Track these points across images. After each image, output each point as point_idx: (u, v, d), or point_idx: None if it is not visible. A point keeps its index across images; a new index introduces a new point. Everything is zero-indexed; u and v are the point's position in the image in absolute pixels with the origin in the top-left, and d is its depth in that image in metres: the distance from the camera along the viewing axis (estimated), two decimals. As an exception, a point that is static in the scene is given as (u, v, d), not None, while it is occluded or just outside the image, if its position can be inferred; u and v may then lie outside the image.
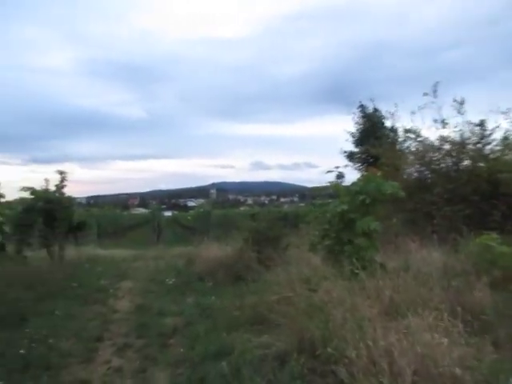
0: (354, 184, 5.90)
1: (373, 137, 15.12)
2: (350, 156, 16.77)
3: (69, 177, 10.50)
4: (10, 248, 8.72)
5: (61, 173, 10.38)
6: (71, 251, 11.95)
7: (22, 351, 4.23)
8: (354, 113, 16.86)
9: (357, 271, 4.48)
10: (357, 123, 16.79)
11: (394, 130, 15.40)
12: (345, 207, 5.50)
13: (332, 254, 5.71)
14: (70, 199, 10.77)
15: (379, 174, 5.75)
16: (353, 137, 16.83)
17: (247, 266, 7.68)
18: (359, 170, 16.27)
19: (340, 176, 6.40)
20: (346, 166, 16.46)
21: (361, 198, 5.39)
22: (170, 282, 7.88)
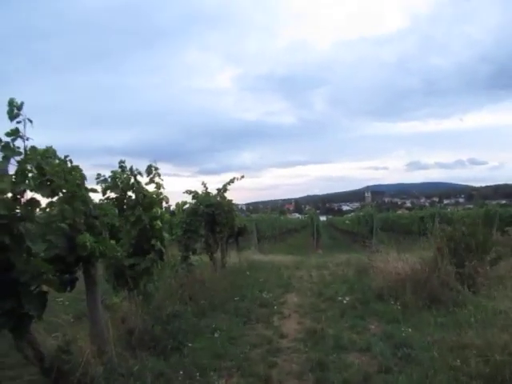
0: None
1: None
2: None
3: (235, 183, 10.04)
4: (175, 252, 8.59)
5: (231, 181, 9.98)
6: (232, 256, 11.64)
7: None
8: None
9: None
10: None
11: None
12: None
13: None
14: (231, 203, 10.35)
15: None
16: None
17: (444, 285, 5.82)
18: None
19: None
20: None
21: None
22: (343, 300, 6.48)
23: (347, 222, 33.14)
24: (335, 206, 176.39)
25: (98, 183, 5.14)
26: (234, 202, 10.66)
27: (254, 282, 8.55)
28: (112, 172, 5.14)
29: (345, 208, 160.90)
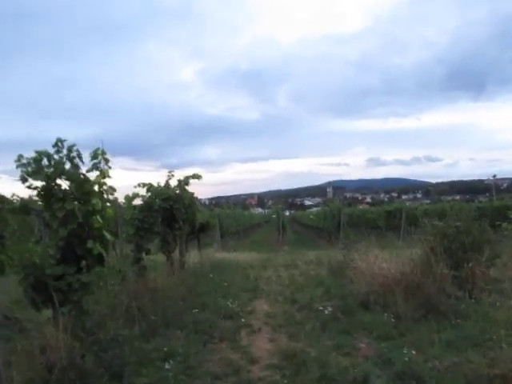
0: None
1: None
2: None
3: (198, 178, 8.87)
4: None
5: (195, 176, 8.80)
6: (193, 255, 10.52)
7: None
8: None
9: None
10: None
11: None
12: None
13: None
14: (192, 197, 9.20)
15: None
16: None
17: (440, 291, 5.01)
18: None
19: None
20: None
21: None
22: (323, 309, 5.52)
23: (312, 216, 32.61)
24: (298, 201, 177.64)
25: (17, 167, 3.94)
26: (195, 195, 9.55)
27: (217, 286, 7.47)
28: (36, 153, 3.92)
29: (307, 203, 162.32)
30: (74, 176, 3.99)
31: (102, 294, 4.82)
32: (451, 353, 3.70)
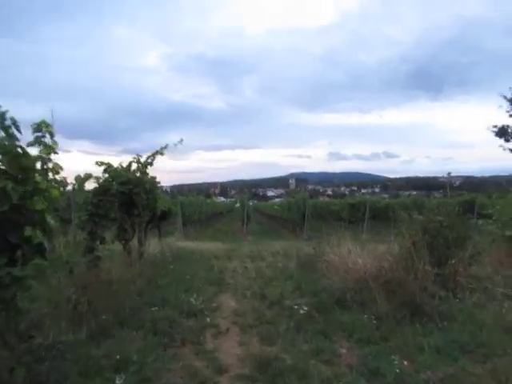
0: None
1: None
2: (502, 132, 12.79)
3: (161, 154, 8.05)
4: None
5: (157, 153, 7.98)
6: (153, 244, 9.83)
7: None
8: None
9: None
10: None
11: None
12: None
13: None
14: (154, 182, 8.47)
15: None
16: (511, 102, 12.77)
17: (422, 289, 4.66)
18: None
19: None
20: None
21: None
22: (295, 306, 5.06)
23: (276, 207, 32.36)
24: (260, 191, 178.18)
25: None
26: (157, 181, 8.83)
27: (178, 278, 6.87)
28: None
29: (270, 194, 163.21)
30: (6, 148, 3.26)
31: (43, 289, 4.13)
32: (443, 361, 3.33)
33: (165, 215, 10.73)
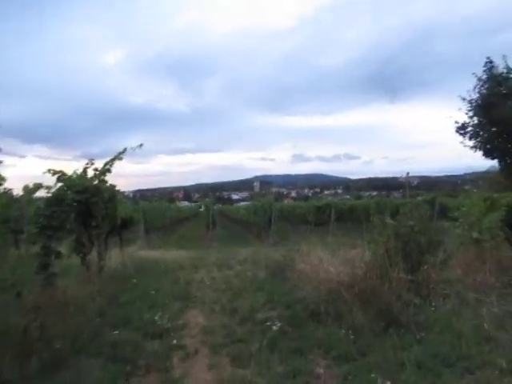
0: None
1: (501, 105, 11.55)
2: (463, 129, 13.15)
3: (120, 159, 7.57)
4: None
5: (115, 158, 7.50)
6: (115, 255, 9.31)
7: None
8: (475, 75, 13.23)
9: None
10: (479, 86, 13.05)
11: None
12: None
13: None
14: (113, 189, 7.98)
15: None
16: (470, 103, 13.12)
17: (398, 297, 4.52)
18: (476, 147, 12.83)
19: None
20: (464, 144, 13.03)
21: None
22: (269, 323, 4.78)
23: (242, 211, 32.06)
24: (225, 194, 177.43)
25: None
26: (118, 188, 8.35)
27: (142, 293, 6.44)
28: None
29: (234, 197, 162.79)
30: None
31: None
32: (426, 378, 3.16)
33: (126, 224, 10.21)
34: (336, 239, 10.70)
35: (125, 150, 7.50)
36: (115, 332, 4.51)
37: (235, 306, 5.72)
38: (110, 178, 7.56)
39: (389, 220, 5.29)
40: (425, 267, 4.87)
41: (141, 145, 7.65)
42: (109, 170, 7.52)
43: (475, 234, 5.70)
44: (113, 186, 7.67)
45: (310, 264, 6.09)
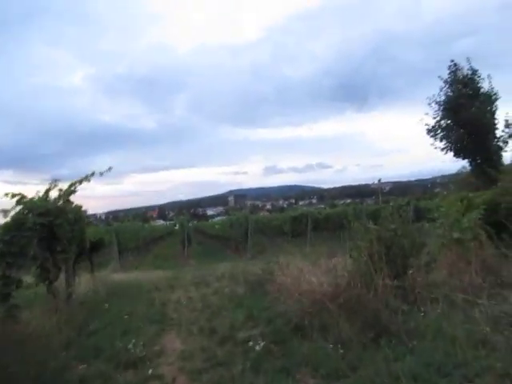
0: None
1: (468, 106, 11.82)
2: (433, 131, 13.35)
3: (87, 180, 7.27)
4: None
5: (82, 180, 7.19)
6: (85, 280, 8.83)
7: None
8: (441, 78, 13.51)
9: None
10: (446, 87, 13.33)
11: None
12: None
13: None
14: (79, 210, 7.56)
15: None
16: (439, 105, 13.35)
17: (384, 304, 4.33)
18: (446, 148, 13.04)
19: None
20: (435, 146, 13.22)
21: None
22: (251, 341, 4.48)
23: (216, 226, 31.65)
24: (200, 210, 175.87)
25: None
26: (86, 209, 7.93)
27: (114, 319, 6.03)
28: None
29: (210, 213, 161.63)
30: None
31: None
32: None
33: (97, 246, 9.73)
34: (314, 249, 10.55)
35: (93, 173, 7.19)
36: (83, 365, 4.12)
37: (214, 325, 5.41)
38: (80, 200, 7.25)
39: (370, 224, 5.12)
40: (410, 271, 4.71)
41: (110, 168, 7.40)
42: (74, 191, 7.14)
43: (456, 234, 5.61)
44: (79, 207, 7.26)
45: (290, 276, 5.85)
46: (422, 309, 4.33)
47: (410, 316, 4.20)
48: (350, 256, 5.03)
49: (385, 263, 4.62)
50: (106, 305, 6.86)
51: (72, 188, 7.16)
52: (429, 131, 13.45)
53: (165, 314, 6.49)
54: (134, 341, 4.79)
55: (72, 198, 7.18)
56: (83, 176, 7.17)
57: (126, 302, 7.23)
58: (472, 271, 4.69)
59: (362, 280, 4.55)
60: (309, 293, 5.03)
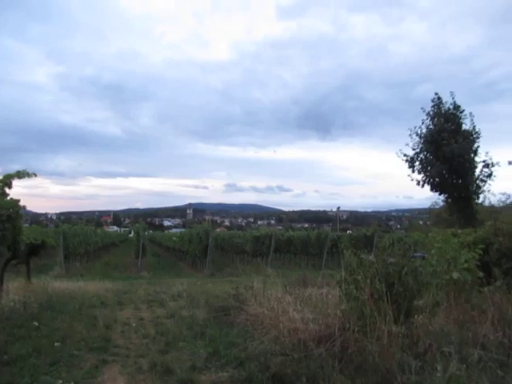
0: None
1: (450, 139, 11.56)
2: (411, 162, 13.05)
3: (29, 176, 6.31)
4: None
5: (20, 175, 6.21)
6: (17, 288, 7.50)
7: None
8: (423, 109, 13.29)
9: None
10: (429, 120, 13.08)
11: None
12: None
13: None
14: (16, 205, 6.28)
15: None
16: (419, 137, 13.08)
17: (397, 360, 3.46)
18: (424, 181, 12.71)
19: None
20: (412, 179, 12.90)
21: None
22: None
23: (174, 238, 30.19)
24: (157, 220, 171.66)
25: None
26: (25, 205, 6.68)
27: (43, 342, 4.81)
28: None
29: (167, 223, 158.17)
30: None
31: None
32: None
33: (35, 249, 8.39)
34: (278, 272, 9.70)
35: (30, 174, 6.22)
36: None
37: (169, 361, 4.33)
38: (30, 198, 6.13)
39: (371, 257, 4.29)
40: (416, 316, 3.91)
41: (35, 174, 6.54)
42: (6, 185, 5.98)
43: (456, 275, 4.91)
44: (15, 202, 6.00)
45: (265, 306, 4.92)
46: (436, 366, 3.49)
47: (423, 376, 3.32)
48: (345, 292, 4.14)
49: (388, 304, 3.80)
50: (36, 323, 5.60)
51: (8, 180, 6.00)
52: (407, 161, 13.17)
53: (109, 338, 5.33)
54: (63, 376, 3.66)
55: (16, 195, 6.12)
56: (14, 172, 6.18)
57: (62, 320, 5.99)
58: (488, 322, 3.93)
59: (360, 323, 3.69)
60: (291, 331, 4.13)
